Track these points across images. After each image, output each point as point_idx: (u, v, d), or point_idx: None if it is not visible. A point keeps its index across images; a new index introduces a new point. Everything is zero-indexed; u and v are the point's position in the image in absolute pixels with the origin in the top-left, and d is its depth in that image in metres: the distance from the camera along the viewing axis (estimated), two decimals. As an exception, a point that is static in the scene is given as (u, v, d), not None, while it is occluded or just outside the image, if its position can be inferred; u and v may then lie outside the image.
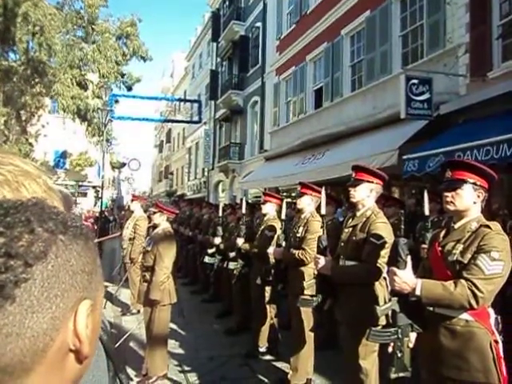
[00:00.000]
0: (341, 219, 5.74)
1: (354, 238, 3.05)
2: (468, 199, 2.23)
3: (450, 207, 2.26)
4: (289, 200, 10.80)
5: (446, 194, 2.27)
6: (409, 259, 2.16)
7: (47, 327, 0.45)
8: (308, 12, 14.05)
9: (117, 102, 17.95)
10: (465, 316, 2.11)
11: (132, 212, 7.56)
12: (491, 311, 2.16)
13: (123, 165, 35.51)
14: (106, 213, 22.03)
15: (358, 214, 3.12)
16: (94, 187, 29.52)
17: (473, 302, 2.00)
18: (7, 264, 0.43)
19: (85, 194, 29.61)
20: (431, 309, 2.17)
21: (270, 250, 4.45)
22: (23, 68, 14.27)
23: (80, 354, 0.49)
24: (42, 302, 0.45)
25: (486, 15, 7.41)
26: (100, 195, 17.21)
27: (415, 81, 7.77)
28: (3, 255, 0.43)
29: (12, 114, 16.00)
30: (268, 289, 4.88)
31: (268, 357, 4.96)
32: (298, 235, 4.08)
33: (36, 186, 0.81)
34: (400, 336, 2.22)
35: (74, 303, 0.48)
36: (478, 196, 2.24)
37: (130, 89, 17.18)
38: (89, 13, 15.07)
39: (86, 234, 0.53)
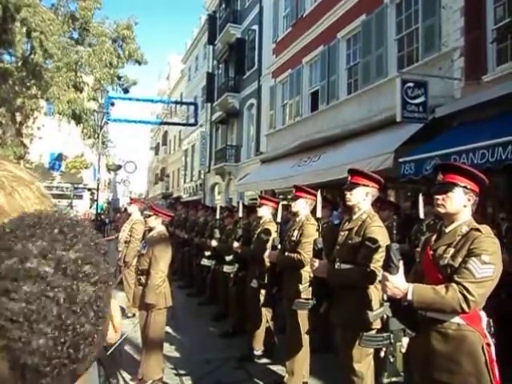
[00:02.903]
0: (336, 222, 5.74)
1: (349, 241, 3.06)
2: (458, 202, 2.24)
3: (441, 210, 2.28)
4: (285, 203, 10.81)
5: (437, 196, 2.29)
6: (401, 264, 2.17)
7: None
8: (304, 15, 14.10)
9: (112, 104, 17.89)
10: (457, 319, 2.12)
11: (129, 215, 7.54)
12: (483, 314, 2.17)
13: (119, 167, 35.40)
14: (102, 215, 21.95)
15: (354, 217, 3.13)
16: (89, 189, 29.42)
17: (464, 306, 2.01)
18: None
19: (80, 197, 29.49)
20: (423, 313, 2.18)
21: (267, 253, 4.44)
22: (19, 70, 14.22)
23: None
24: None
25: (480, 19, 7.46)
26: (96, 197, 17.16)
27: (411, 84, 7.81)
28: None
29: (7, 116, 15.93)
30: (263, 292, 4.87)
31: (264, 360, 4.95)
32: (293, 239, 4.07)
33: (29, 192, 0.81)
34: (392, 341, 2.23)
35: None
36: (469, 199, 2.25)
37: (126, 91, 17.13)
38: (81, 15, 15.04)
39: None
